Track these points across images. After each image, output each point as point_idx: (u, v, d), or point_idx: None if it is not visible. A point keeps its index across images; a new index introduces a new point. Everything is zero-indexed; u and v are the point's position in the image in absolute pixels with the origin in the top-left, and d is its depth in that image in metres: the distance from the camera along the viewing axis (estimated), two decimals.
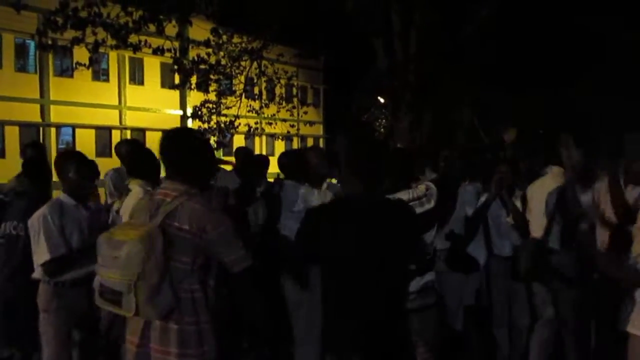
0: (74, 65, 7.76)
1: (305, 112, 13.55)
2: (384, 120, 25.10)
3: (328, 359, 2.33)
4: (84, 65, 7.39)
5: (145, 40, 7.38)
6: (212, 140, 12.59)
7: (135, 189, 3.50)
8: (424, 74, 9.37)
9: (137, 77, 26.92)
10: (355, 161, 2.36)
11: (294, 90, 15.72)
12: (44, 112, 23.65)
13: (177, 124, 27.83)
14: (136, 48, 7.33)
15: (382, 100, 19.55)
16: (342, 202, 2.49)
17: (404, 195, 2.72)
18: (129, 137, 22.90)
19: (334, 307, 2.30)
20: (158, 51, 7.58)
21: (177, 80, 10.16)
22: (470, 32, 9.52)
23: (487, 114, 16.92)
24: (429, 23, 8.90)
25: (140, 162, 3.70)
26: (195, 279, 2.33)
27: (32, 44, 21.93)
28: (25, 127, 22.93)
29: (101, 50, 7.52)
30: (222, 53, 10.26)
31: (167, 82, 25.26)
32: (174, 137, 2.52)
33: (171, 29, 7.68)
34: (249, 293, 2.53)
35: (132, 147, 4.41)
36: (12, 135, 22.68)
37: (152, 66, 25.76)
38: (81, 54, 7.40)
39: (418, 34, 9.17)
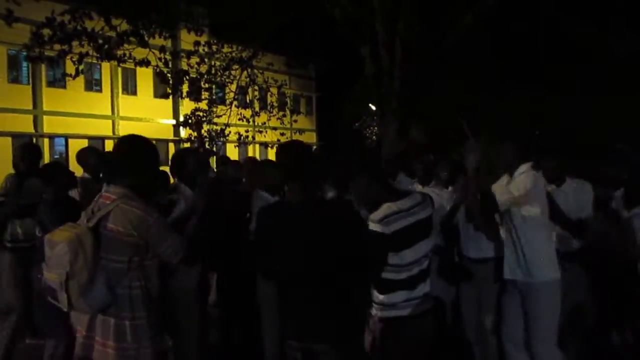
0: (62, 76, 7.91)
1: (295, 121, 13.72)
2: (375, 128, 25.29)
3: (292, 344, 2.51)
4: (71, 75, 7.52)
5: (130, 53, 7.54)
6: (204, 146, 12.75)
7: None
8: (410, 81, 9.53)
9: (130, 87, 27.03)
10: (290, 168, 2.53)
11: (286, 99, 15.88)
12: (37, 122, 23.69)
13: (170, 133, 27.95)
14: (120, 60, 7.51)
15: (373, 107, 19.72)
16: (285, 203, 2.68)
17: (392, 207, 2.66)
18: None
19: (285, 304, 2.53)
20: (143, 63, 7.74)
21: (169, 89, 10.31)
22: (455, 39, 9.69)
23: (476, 117, 17.12)
24: (413, 31, 9.06)
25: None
26: (134, 277, 2.47)
27: (24, 55, 22.01)
28: (18, 138, 22.93)
29: (92, 61, 7.69)
30: (212, 62, 10.43)
31: (159, 92, 25.39)
32: (121, 143, 2.68)
33: (159, 39, 7.84)
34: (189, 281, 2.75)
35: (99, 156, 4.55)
36: (5, 146, 22.70)
37: (145, 76, 25.87)
38: (72, 65, 7.55)
39: (403, 42, 9.33)
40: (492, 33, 11.89)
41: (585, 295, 4.07)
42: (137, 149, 2.63)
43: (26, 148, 4.83)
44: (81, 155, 4.88)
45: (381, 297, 2.64)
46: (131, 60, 7.60)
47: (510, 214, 3.47)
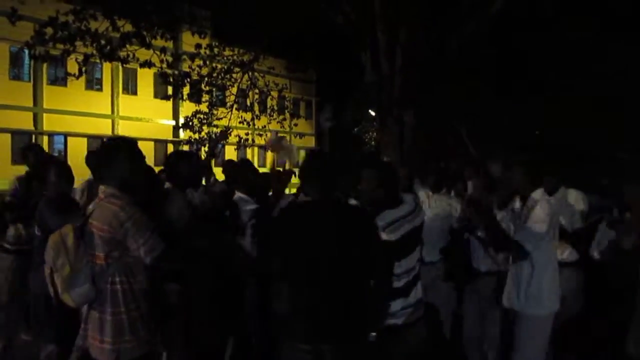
0: (65, 75, 7.94)
1: (296, 124, 13.77)
2: (374, 133, 25.33)
3: (302, 347, 2.49)
4: (74, 75, 7.56)
5: (133, 54, 7.57)
6: (203, 150, 12.77)
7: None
8: (410, 87, 9.57)
9: (130, 87, 27.10)
10: (312, 170, 2.59)
11: (286, 103, 15.93)
12: (36, 120, 23.74)
13: (169, 134, 28.00)
14: (124, 61, 7.54)
15: (372, 113, 19.78)
16: (301, 206, 2.72)
17: (400, 211, 2.72)
18: None
19: (293, 302, 2.52)
20: (146, 64, 7.76)
21: (169, 91, 10.35)
22: (457, 46, 9.74)
23: (476, 125, 17.15)
24: (413, 39, 9.11)
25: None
26: (116, 273, 2.54)
27: (26, 53, 22.06)
28: (18, 135, 22.99)
29: (96, 61, 7.74)
30: (213, 64, 10.47)
31: (160, 93, 25.44)
32: (106, 144, 2.78)
33: (161, 41, 7.89)
34: (158, 282, 2.72)
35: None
36: (5, 143, 22.74)
37: (145, 76, 25.93)
38: (74, 63, 7.58)
39: (403, 50, 9.38)
40: (494, 40, 11.93)
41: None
42: (119, 150, 2.69)
43: (31, 149, 4.85)
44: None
45: None
46: (134, 61, 7.63)
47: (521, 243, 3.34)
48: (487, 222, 3.33)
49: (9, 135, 22.76)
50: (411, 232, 2.73)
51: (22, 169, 4.75)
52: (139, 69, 8.09)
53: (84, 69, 7.11)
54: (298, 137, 23.13)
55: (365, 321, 2.61)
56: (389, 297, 2.65)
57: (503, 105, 15.99)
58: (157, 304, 2.69)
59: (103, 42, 7.07)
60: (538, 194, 3.39)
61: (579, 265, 4.22)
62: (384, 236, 2.58)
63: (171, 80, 9.39)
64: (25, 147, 4.95)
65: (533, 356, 3.34)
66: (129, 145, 2.73)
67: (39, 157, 4.71)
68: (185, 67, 10.91)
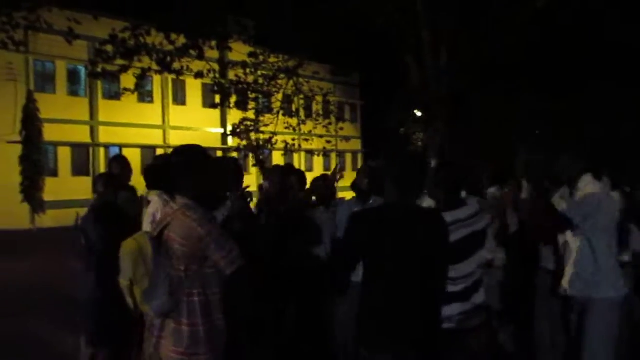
0: (121, 91, 8.30)
1: (342, 128, 13.84)
2: (420, 134, 25.08)
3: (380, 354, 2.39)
4: (130, 90, 7.91)
5: (187, 66, 7.83)
6: (251, 157, 13.02)
7: (154, 199, 3.82)
8: (457, 88, 9.48)
9: (180, 98, 27.88)
10: (394, 173, 2.49)
11: (331, 107, 16.02)
12: (93, 133, 24.74)
13: (218, 142, 28.62)
14: (179, 73, 7.81)
15: (418, 114, 19.60)
16: (381, 209, 2.62)
17: (459, 213, 2.67)
18: None
19: (371, 305, 2.42)
20: (199, 75, 8.01)
21: (217, 99, 10.62)
22: (501, 47, 9.58)
23: (525, 125, 16.74)
24: (458, 40, 9.03)
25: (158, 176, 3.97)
26: (193, 285, 2.47)
27: (82, 70, 23.12)
28: (76, 148, 24.05)
29: (152, 75, 8.07)
30: (259, 72, 10.67)
31: (208, 102, 26.04)
32: (179, 153, 2.65)
33: (211, 52, 8.14)
34: (244, 293, 2.69)
35: (150, 165, 4.65)
36: (65, 156, 23.83)
37: (194, 87, 26.63)
38: (127, 78, 7.92)
39: (448, 50, 9.31)
40: (542, 36, 11.62)
41: None
42: (198, 160, 2.60)
43: (114, 159, 5.05)
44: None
45: None
46: (189, 73, 7.88)
47: (581, 228, 3.36)
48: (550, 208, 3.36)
49: (68, 149, 23.83)
50: (469, 237, 2.65)
51: (82, 180, 4.95)
52: (187, 80, 8.36)
53: (140, 83, 7.42)
54: (344, 140, 23.19)
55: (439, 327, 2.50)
56: (444, 301, 2.55)
57: (551, 102, 15.56)
58: (233, 318, 2.63)
59: (161, 55, 7.34)
60: (587, 179, 3.41)
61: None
62: None
63: (219, 89, 9.65)
64: (112, 158, 5.15)
65: (603, 343, 3.29)
66: (204, 155, 2.65)
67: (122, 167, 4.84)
68: (231, 75, 11.18)
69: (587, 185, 3.41)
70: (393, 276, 2.35)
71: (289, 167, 5.27)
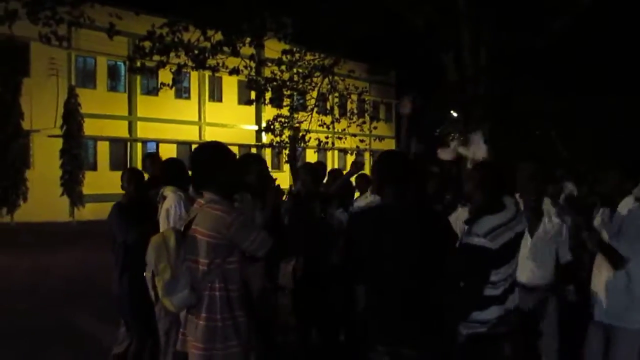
0: (158, 86, 8.38)
1: (375, 127, 13.73)
2: (457, 135, 24.64)
3: (379, 349, 2.46)
4: (168, 85, 7.99)
5: (223, 62, 7.86)
6: (284, 153, 13.04)
7: (170, 195, 3.82)
8: (496, 87, 9.26)
9: (216, 95, 28.21)
10: (385, 173, 2.55)
11: (365, 106, 15.92)
12: (131, 128, 25.26)
13: (252, 138, 28.85)
14: (214, 70, 7.85)
15: (454, 114, 19.31)
16: (379, 210, 2.65)
17: (495, 219, 2.58)
18: None
19: (374, 304, 2.50)
20: (234, 72, 8.03)
21: (252, 96, 10.67)
22: (543, 45, 9.31)
23: (567, 125, 16.25)
24: (498, 38, 8.81)
25: (173, 172, 4.01)
26: (216, 279, 2.54)
27: (122, 66, 23.62)
28: (115, 142, 24.60)
29: (188, 71, 8.16)
30: (294, 70, 10.66)
31: (243, 99, 26.28)
32: (202, 150, 2.74)
33: (246, 49, 8.15)
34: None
35: (164, 161, 4.64)
36: (104, 150, 24.41)
37: (230, 84, 26.90)
38: (166, 74, 8.00)
39: (488, 48, 9.09)
40: (586, 36, 11.26)
41: None
42: (221, 157, 2.69)
43: (148, 156, 5.11)
44: None
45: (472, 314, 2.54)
46: (224, 69, 7.93)
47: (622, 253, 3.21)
48: (601, 246, 3.23)
49: (107, 143, 24.39)
50: (512, 240, 2.60)
51: (120, 175, 4.99)
52: (223, 77, 8.42)
53: (176, 78, 7.49)
54: (378, 140, 23.05)
55: (443, 327, 2.53)
56: (479, 305, 2.55)
57: (594, 103, 15.07)
58: (253, 313, 2.70)
59: (196, 51, 7.40)
60: (629, 201, 3.23)
61: None
62: (483, 243, 2.46)
63: (255, 86, 9.68)
64: (145, 155, 5.24)
65: None
66: (227, 151, 2.74)
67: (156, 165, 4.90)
68: (267, 72, 11.21)
69: (625, 207, 3.24)
70: (391, 275, 2.40)
71: (319, 165, 5.26)
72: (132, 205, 4.25)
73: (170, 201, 3.77)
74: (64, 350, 5.40)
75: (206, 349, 2.49)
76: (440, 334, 2.45)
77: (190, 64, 7.59)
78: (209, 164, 2.64)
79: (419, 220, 2.47)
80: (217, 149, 2.73)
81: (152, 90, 23.80)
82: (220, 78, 25.79)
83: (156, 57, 7.24)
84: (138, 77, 23.06)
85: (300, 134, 11.94)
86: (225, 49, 7.38)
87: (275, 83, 10.40)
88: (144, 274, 2.68)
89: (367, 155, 29.26)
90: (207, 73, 8.59)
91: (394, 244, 2.40)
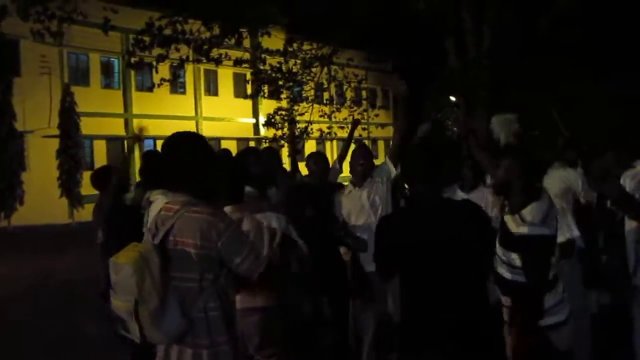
0: (159, 82, 8.00)
1: (377, 115, 13.58)
2: (456, 120, 24.56)
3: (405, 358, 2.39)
4: (169, 80, 7.80)
5: (226, 53, 7.67)
6: (287, 146, 12.86)
7: (158, 199, 3.31)
8: (499, 70, 9.10)
9: (212, 89, 27.95)
10: (412, 172, 2.45)
11: (364, 94, 15.76)
12: (127, 125, 25.00)
13: (250, 132, 28.63)
14: (217, 62, 7.65)
15: (453, 99, 19.16)
16: (408, 211, 2.61)
17: (543, 204, 2.54)
18: None
19: (409, 306, 2.38)
20: (238, 63, 7.87)
21: (249, 90, 10.49)
22: (547, 25, 9.15)
23: (570, 106, 16.09)
24: (501, 18, 8.64)
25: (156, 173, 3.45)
26: (210, 297, 2.12)
27: (116, 62, 23.31)
28: (111, 141, 24.35)
29: (190, 64, 7.98)
30: (293, 60, 10.48)
31: (240, 92, 26.05)
32: (171, 143, 2.26)
33: (247, 41, 7.98)
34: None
35: (146, 155, 4.34)
36: (100, 149, 24.17)
37: (226, 77, 26.63)
38: (163, 69, 7.80)
39: (491, 31, 8.92)
40: (590, 16, 11.06)
41: None
42: (194, 149, 2.24)
43: (146, 155, 4.94)
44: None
45: None
46: (227, 60, 7.77)
47: None
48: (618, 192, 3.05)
49: (104, 142, 24.14)
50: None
51: None
52: (219, 70, 8.24)
53: (177, 72, 7.32)
54: (379, 127, 22.83)
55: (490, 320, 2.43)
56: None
57: (598, 86, 14.92)
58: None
59: (199, 42, 7.23)
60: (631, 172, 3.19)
61: None
62: (542, 231, 2.45)
63: (256, 77, 9.51)
64: (144, 153, 5.06)
65: None
66: (204, 143, 2.28)
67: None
68: (265, 65, 11.02)
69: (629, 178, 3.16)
70: (431, 274, 2.30)
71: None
72: (120, 211, 4.01)
73: (158, 205, 3.33)
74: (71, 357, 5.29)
75: None
76: (487, 328, 2.35)
77: (192, 56, 7.42)
78: (183, 158, 2.20)
79: (452, 215, 2.38)
80: (193, 139, 2.28)
81: (147, 86, 23.53)
82: (216, 72, 25.52)
83: (156, 51, 7.04)
84: (132, 74, 22.75)
85: (303, 125, 11.79)
86: (227, 41, 7.22)
87: (273, 75, 10.21)
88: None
89: (368, 143, 29.09)
90: (203, 67, 8.42)
91: (428, 243, 2.30)
